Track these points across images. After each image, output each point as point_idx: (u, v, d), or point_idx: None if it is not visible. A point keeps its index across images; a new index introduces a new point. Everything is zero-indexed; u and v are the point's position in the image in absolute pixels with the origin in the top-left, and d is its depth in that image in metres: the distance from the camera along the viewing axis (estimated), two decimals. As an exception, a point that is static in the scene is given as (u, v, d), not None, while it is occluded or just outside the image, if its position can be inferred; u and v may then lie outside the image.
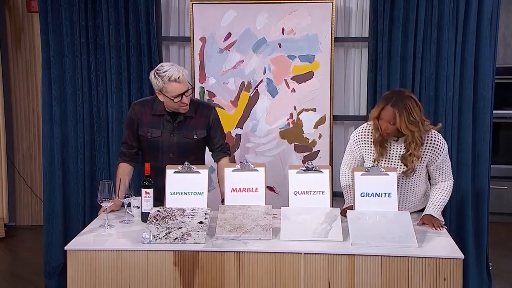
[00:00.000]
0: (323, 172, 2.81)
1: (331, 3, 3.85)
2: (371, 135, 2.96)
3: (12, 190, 5.42)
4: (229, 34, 3.97)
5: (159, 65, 3.01)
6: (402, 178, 2.92)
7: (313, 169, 2.81)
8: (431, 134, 2.91)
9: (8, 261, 4.70)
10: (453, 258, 2.41)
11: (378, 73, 3.85)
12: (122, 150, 3.16)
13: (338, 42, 3.99)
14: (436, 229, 2.74)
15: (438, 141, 2.91)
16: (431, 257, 2.42)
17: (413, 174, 2.91)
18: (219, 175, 3.17)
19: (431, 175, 3.00)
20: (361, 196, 2.73)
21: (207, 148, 3.24)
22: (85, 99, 3.97)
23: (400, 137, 2.89)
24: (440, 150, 2.91)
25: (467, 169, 3.84)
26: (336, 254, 2.45)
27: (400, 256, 2.42)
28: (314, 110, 3.98)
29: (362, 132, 3.02)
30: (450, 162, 3.01)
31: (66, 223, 4.03)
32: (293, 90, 3.98)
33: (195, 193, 2.80)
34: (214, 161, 3.24)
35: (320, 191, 2.79)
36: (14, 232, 5.32)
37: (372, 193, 2.73)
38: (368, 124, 3.01)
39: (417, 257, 2.42)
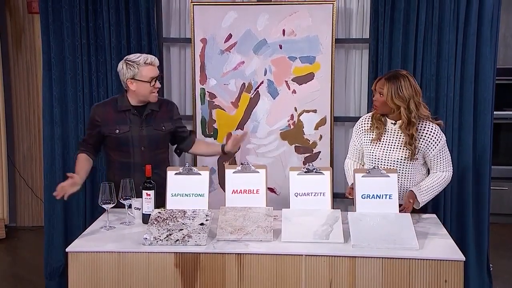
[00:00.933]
0: (324, 174, 2.81)
1: (331, 4, 3.85)
2: (370, 123, 3.06)
3: (13, 191, 5.42)
4: (230, 36, 3.97)
5: (126, 57, 3.13)
6: (400, 164, 2.95)
7: (314, 170, 2.81)
8: (428, 124, 2.97)
9: (9, 262, 4.71)
10: (454, 260, 2.41)
11: (378, 74, 3.84)
12: (80, 147, 3.22)
13: (339, 44, 3.99)
14: (404, 211, 2.78)
15: (434, 132, 2.95)
16: (432, 259, 2.41)
17: (411, 160, 2.94)
18: (202, 145, 3.39)
19: (429, 166, 3.03)
20: (362, 198, 2.74)
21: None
22: (86, 100, 3.97)
23: (397, 120, 2.96)
24: (436, 141, 2.94)
25: (468, 170, 3.85)
26: (337, 256, 2.45)
27: (401, 258, 2.42)
28: (315, 111, 3.98)
29: (361, 120, 3.15)
30: (449, 154, 3.04)
31: (66, 224, 4.03)
32: (294, 92, 3.98)
33: (196, 195, 2.80)
34: (186, 150, 3.38)
35: (321, 193, 2.79)
36: (15, 233, 5.32)
37: (373, 194, 2.73)
38: (368, 114, 3.13)
39: (418, 259, 2.42)
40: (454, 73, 3.78)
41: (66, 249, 2.57)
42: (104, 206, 2.76)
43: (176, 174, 2.83)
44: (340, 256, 2.45)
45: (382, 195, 2.72)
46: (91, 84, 3.98)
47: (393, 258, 2.43)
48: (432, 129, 2.95)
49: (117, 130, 3.10)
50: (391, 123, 3.00)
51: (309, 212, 2.72)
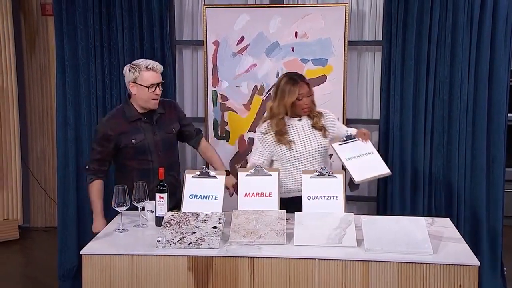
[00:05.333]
0: (336, 177, 2.81)
1: (344, 6, 3.85)
2: (273, 131, 3.11)
3: (27, 192, 5.46)
4: (242, 38, 3.97)
5: (133, 61, 3.17)
6: (320, 153, 3.12)
7: (327, 174, 2.81)
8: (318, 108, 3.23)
9: (23, 263, 4.74)
10: (469, 265, 2.39)
11: (391, 77, 3.84)
12: (93, 167, 3.12)
13: (351, 46, 3.98)
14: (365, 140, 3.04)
15: (328, 112, 3.25)
16: (446, 264, 2.40)
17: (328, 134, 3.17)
18: (208, 155, 3.39)
19: (338, 134, 3.20)
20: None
21: None
22: (99, 102, 4.00)
23: (302, 115, 3.15)
24: (334, 117, 3.27)
25: (482, 173, 3.82)
26: (351, 260, 2.44)
27: (415, 263, 2.41)
28: (327, 113, 3.97)
29: (267, 131, 3.14)
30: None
31: (80, 226, 4.05)
32: (306, 94, 3.97)
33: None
34: (194, 147, 3.44)
35: (333, 196, 2.79)
36: (28, 233, 5.36)
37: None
38: (268, 122, 3.16)
39: (432, 263, 2.40)
40: (467, 75, 3.76)
41: (79, 251, 2.59)
42: (118, 209, 2.77)
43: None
44: (353, 260, 2.44)
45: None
46: (104, 86, 4.00)
47: (407, 262, 2.41)
48: (324, 110, 3.24)
49: (134, 140, 3.09)
50: (297, 120, 3.15)
51: (322, 216, 2.72)
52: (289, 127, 3.13)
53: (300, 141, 3.11)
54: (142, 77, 3.05)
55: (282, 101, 3.07)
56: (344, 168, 2.97)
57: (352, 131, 3.20)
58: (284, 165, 3.12)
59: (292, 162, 3.10)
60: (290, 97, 3.05)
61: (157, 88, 3.08)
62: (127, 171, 3.15)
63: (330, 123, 3.20)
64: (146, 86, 3.05)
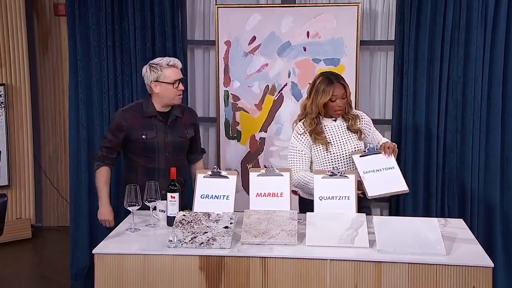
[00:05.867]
0: (348, 178, 2.79)
1: (356, 6, 3.83)
2: (308, 131, 3.05)
3: (39, 191, 5.50)
4: (254, 38, 3.97)
5: (150, 61, 3.16)
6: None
7: (339, 174, 2.79)
8: (355, 110, 3.23)
9: (35, 262, 4.78)
10: (483, 267, 2.37)
11: (404, 77, 3.81)
12: (101, 154, 3.16)
13: (364, 46, 3.96)
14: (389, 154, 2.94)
15: (363, 114, 3.20)
16: (459, 265, 2.37)
17: (364, 137, 3.12)
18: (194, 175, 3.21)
19: (373, 139, 3.19)
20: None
21: None
22: (111, 102, 4.02)
23: (337, 116, 3.08)
24: (369, 120, 3.20)
25: (495, 173, 3.78)
26: (363, 261, 2.43)
27: (428, 264, 2.39)
28: (339, 113, 3.95)
29: (302, 130, 3.07)
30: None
31: (92, 225, 4.06)
32: (318, 94, 3.96)
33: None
34: (190, 162, 3.38)
35: (345, 197, 2.77)
36: (41, 233, 5.39)
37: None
38: (303, 121, 3.10)
39: (445, 265, 2.38)
40: (481, 74, 3.72)
41: (91, 250, 2.60)
42: (130, 209, 2.77)
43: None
44: (365, 261, 2.43)
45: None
46: (116, 86, 4.02)
47: (420, 263, 2.39)
48: (360, 112, 3.21)
49: (144, 136, 3.10)
50: (332, 120, 3.07)
51: (333, 216, 2.70)
52: (325, 128, 3.07)
53: (337, 143, 3.05)
54: (165, 74, 3.06)
55: (315, 100, 3.02)
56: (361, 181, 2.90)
57: (381, 140, 3.15)
58: (321, 167, 3.05)
59: (329, 164, 3.03)
60: (323, 98, 2.99)
61: (180, 83, 3.09)
62: (133, 167, 3.19)
63: (365, 125, 3.15)
64: (171, 83, 3.06)
